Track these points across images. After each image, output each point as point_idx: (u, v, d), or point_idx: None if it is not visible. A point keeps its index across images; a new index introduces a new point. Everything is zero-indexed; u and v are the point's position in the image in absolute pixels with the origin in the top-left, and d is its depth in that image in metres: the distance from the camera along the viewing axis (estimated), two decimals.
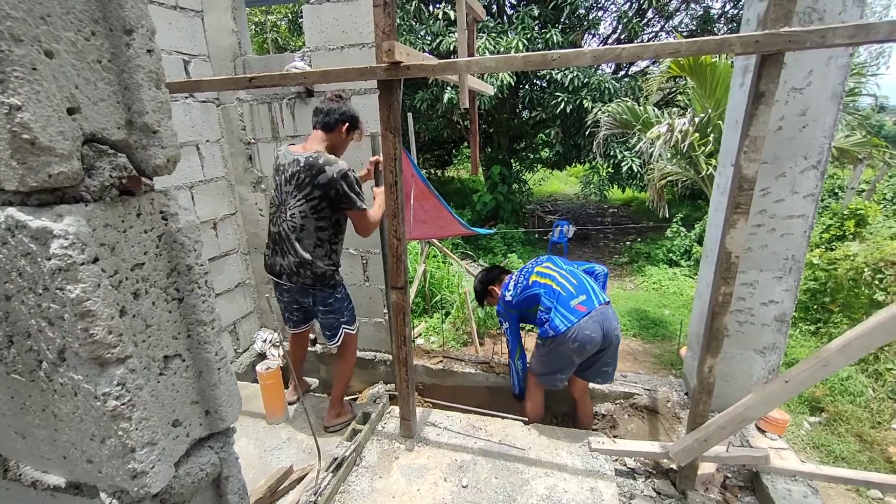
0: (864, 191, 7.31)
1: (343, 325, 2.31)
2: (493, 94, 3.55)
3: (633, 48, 1.48)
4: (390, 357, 3.03)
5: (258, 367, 2.40)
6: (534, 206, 12.11)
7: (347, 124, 2.12)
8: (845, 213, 5.59)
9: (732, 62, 3.95)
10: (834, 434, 3.33)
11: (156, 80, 0.63)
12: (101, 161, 0.58)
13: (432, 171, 15.16)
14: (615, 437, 2.50)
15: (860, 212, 5.73)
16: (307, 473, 2.06)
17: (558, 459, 2.11)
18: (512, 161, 10.44)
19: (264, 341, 3.21)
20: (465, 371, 2.88)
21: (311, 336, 3.01)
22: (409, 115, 4.59)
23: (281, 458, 2.23)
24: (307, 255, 2.09)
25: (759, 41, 1.34)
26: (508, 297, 2.42)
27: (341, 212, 2.11)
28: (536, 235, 9.68)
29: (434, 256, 6.96)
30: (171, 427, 0.68)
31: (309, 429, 2.43)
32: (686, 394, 2.55)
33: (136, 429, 0.59)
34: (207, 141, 2.75)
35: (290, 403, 2.54)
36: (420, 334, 5.75)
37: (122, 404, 0.57)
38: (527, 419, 2.40)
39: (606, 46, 6.62)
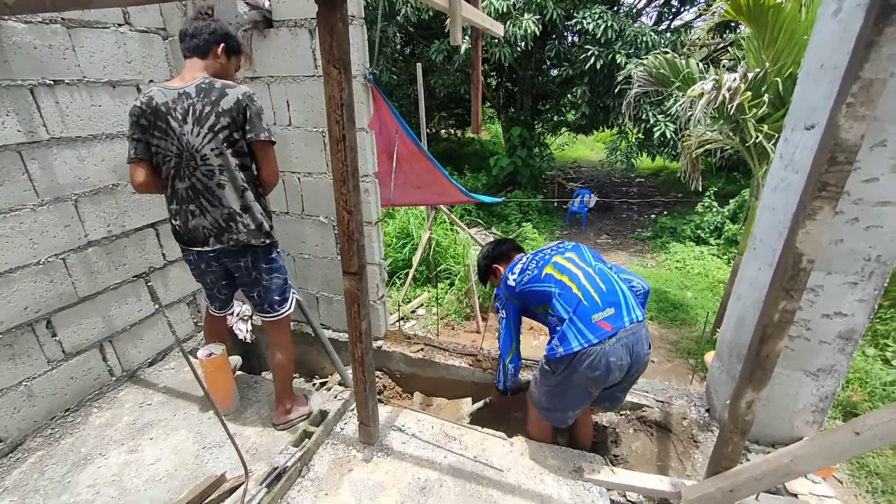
0: None
1: (292, 289, 2.03)
2: (502, 35, 2.95)
3: None
4: None
5: (199, 353, 2.06)
6: (555, 172, 11.36)
7: (223, 44, 1.75)
8: None
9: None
10: None
11: None
12: None
13: (452, 131, 14.38)
14: (615, 456, 2.11)
15: None
16: (242, 483, 1.74)
17: (542, 488, 1.73)
18: (535, 123, 9.67)
19: (231, 313, 2.88)
20: (448, 363, 2.50)
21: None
22: (419, 65, 4.02)
23: (220, 459, 1.92)
24: (236, 204, 1.75)
25: None
26: (511, 282, 1.91)
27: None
28: (556, 204, 9.07)
29: (442, 223, 6.52)
30: None
31: (259, 422, 2.13)
32: (707, 411, 2.11)
33: None
34: (151, 81, 2.30)
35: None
36: (422, 304, 5.42)
37: None
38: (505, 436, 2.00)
39: None
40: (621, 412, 2.26)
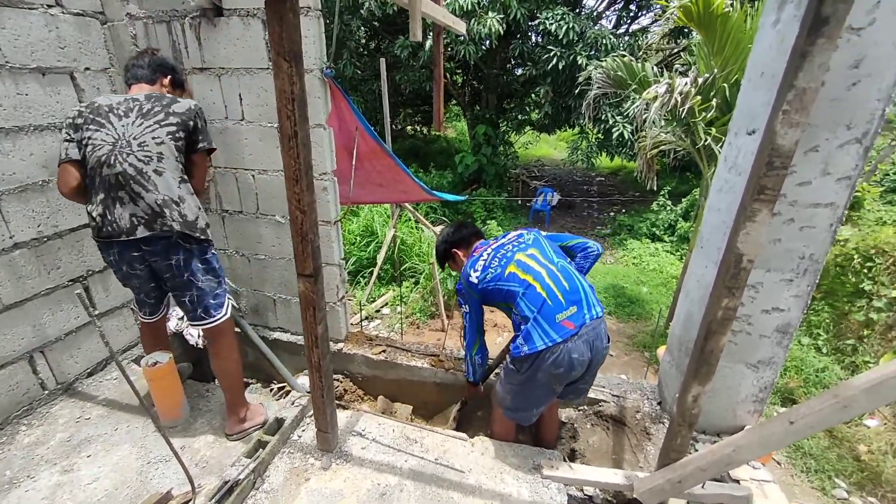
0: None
1: (227, 294, 1.93)
2: (464, 33, 2.94)
3: None
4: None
5: (143, 362, 1.94)
6: (519, 170, 11.54)
7: (169, 76, 1.87)
8: None
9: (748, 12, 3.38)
10: None
11: None
12: None
13: (418, 127, 14.28)
14: (573, 450, 2.16)
15: (856, 194, 5.37)
16: (189, 501, 1.65)
17: (502, 487, 1.74)
18: (500, 121, 9.76)
19: (181, 318, 2.73)
20: (410, 364, 2.47)
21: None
22: (382, 60, 3.94)
23: (166, 475, 1.81)
24: (174, 192, 1.69)
25: None
26: (474, 279, 1.88)
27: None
28: (519, 202, 9.20)
29: (407, 221, 6.47)
30: None
31: (210, 432, 2.03)
32: (659, 403, 2.19)
33: None
34: (88, 69, 2.13)
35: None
36: (386, 303, 5.36)
37: None
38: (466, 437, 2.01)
39: None
40: (579, 408, 2.31)
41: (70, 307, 2.19)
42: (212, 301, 1.84)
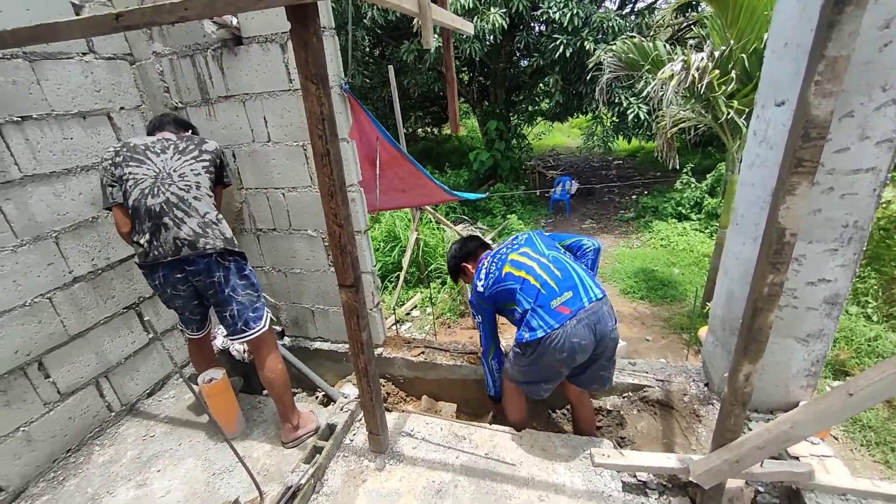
0: None
1: (265, 306, 2.03)
2: (472, 33, 2.96)
3: None
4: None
5: (199, 379, 2.04)
6: (535, 161, 11.45)
7: (190, 131, 2.09)
8: None
9: None
10: None
11: None
12: None
13: (429, 129, 14.34)
14: (622, 438, 2.15)
15: None
16: None
17: (555, 478, 1.76)
18: (510, 115, 9.71)
19: (226, 336, 2.85)
20: (449, 363, 2.52)
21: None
22: (390, 67, 4.00)
23: (231, 484, 1.90)
24: (212, 214, 1.88)
25: None
26: (480, 288, 1.97)
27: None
28: (537, 193, 9.13)
29: (428, 222, 6.53)
30: None
31: (267, 441, 2.12)
32: (706, 385, 2.17)
33: None
34: (122, 108, 2.25)
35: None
36: (416, 306, 5.43)
37: None
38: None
39: None
40: (623, 394, 2.30)
41: (126, 333, 2.33)
42: (251, 314, 1.94)
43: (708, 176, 7.45)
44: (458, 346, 2.64)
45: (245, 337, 1.94)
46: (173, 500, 1.86)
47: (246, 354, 2.83)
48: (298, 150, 2.28)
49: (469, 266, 2.17)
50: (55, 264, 2.00)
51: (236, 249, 1.89)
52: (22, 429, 1.91)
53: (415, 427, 2.10)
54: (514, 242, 2.02)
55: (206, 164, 1.92)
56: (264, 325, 1.98)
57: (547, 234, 2.09)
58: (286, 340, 2.81)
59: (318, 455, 1.90)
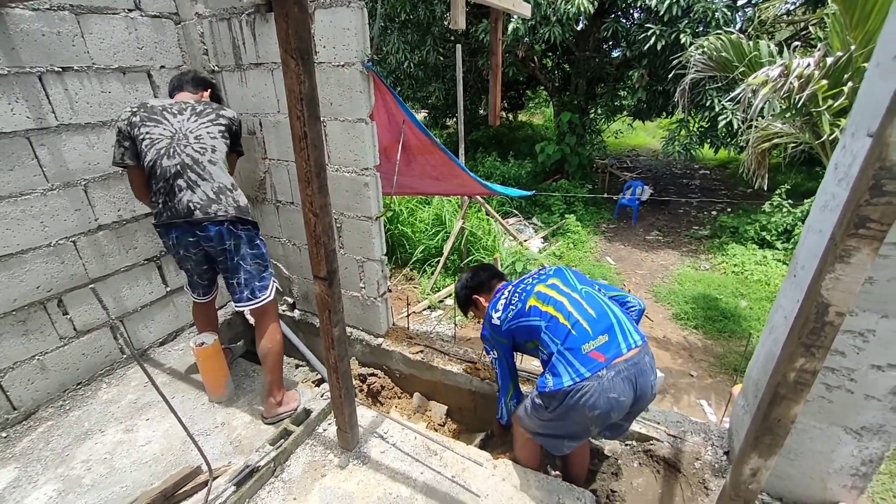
0: None
1: (272, 276, 2.05)
2: (527, 15, 2.68)
3: None
4: (368, 336, 2.61)
5: (192, 342, 2.09)
6: (609, 160, 10.68)
7: (210, 90, 2.07)
8: None
9: None
10: None
11: None
12: None
13: (503, 114, 13.88)
14: (613, 492, 1.90)
15: None
16: (218, 476, 1.74)
17: None
18: (589, 108, 9.07)
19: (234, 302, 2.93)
20: (445, 367, 2.38)
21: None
22: (458, 46, 3.82)
23: (206, 448, 1.94)
24: (227, 180, 1.87)
25: None
26: (496, 321, 1.75)
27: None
28: (605, 195, 8.52)
29: (478, 211, 6.35)
30: None
31: (249, 412, 2.14)
32: (726, 453, 1.84)
33: None
34: (163, 67, 2.31)
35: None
36: (450, 294, 5.33)
37: None
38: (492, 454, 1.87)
39: None
40: (627, 442, 2.03)
41: (145, 283, 2.45)
42: (258, 283, 1.96)
43: (806, 201, 6.46)
44: (459, 352, 2.49)
45: (250, 305, 1.96)
46: (150, 451, 1.93)
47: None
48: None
49: (481, 298, 1.97)
50: (82, 211, 2.12)
51: (248, 218, 1.89)
52: (37, 357, 2.08)
53: (390, 431, 2.00)
54: (542, 273, 1.79)
55: (223, 128, 1.91)
56: (269, 295, 2.00)
57: (592, 278, 1.83)
58: (296, 314, 2.83)
59: (284, 439, 1.88)
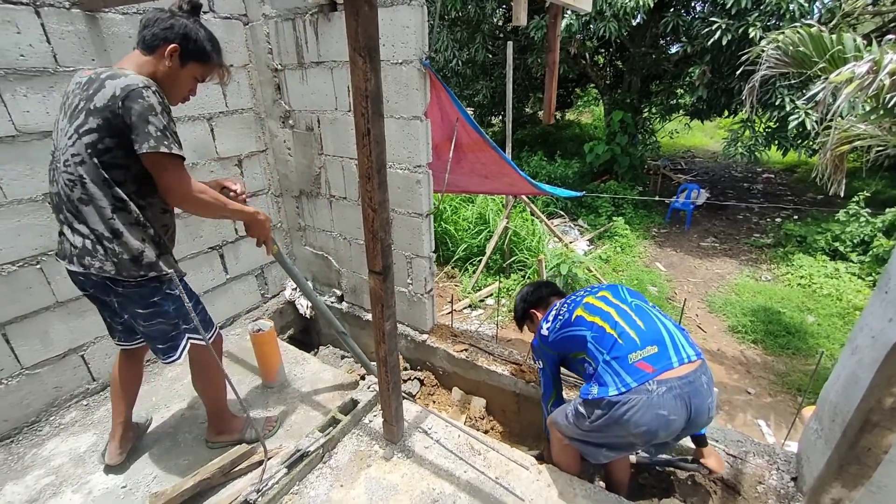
0: None
1: (187, 334, 1.58)
2: (588, 9, 2.60)
3: None
4: (413, 332, 2.64)
5: (249, 327, 2.19)
6: (662, 161, 10.21)
7: (175, 45, 1.34)
8: None
9: None
10: None
11: None
12: None
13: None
14: None
15: None
16: (272, 458, 1.82)
17: None
18: (642, 106, 8.72)
19: (294, 289, 3.06)
20: (490, 368, 2.37)
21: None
22: (509, 43, 3.79)
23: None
24: (101, 226, 1.33)
25: None
26: (545, 331, 1.75)
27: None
28: (657, 198, 8.17)
29: (522, 211, 6.27)
30: None
31: (298, 399, 2.23)
32: (794, 479, 1.71)
33: None
34: (232, 66, 2.43)
35: (108, 466, 1.81)
36: (491, 294, 5.30)
37: None
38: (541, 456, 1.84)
39: None
40: (681, 455, 1.93)
41: (207, 270, 2.60)
42: (160, 346, 1.56)
43: (888, 210, 5.89)
44: (505, 353, 2.47)
45: (165, 359, 1.58)
46: None
47: (308, 311, 3.00)
48: None
49: (538, 313, 1.96)
50: None
51: (138, 275, 1.38)
52: None
53: (433, 426, 2.01)
54: (594, 287, 1.78)
55: (92, 136, 1.28)
56: (177, 357, 1.58)
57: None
58: (343, 306, 2.91)
59: (332, 427, 1.93)
